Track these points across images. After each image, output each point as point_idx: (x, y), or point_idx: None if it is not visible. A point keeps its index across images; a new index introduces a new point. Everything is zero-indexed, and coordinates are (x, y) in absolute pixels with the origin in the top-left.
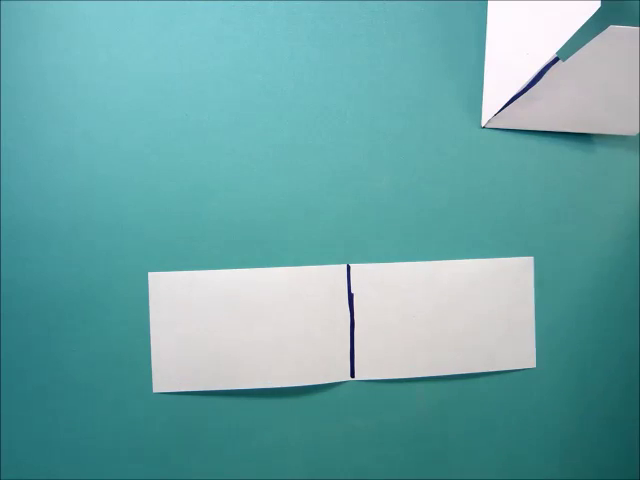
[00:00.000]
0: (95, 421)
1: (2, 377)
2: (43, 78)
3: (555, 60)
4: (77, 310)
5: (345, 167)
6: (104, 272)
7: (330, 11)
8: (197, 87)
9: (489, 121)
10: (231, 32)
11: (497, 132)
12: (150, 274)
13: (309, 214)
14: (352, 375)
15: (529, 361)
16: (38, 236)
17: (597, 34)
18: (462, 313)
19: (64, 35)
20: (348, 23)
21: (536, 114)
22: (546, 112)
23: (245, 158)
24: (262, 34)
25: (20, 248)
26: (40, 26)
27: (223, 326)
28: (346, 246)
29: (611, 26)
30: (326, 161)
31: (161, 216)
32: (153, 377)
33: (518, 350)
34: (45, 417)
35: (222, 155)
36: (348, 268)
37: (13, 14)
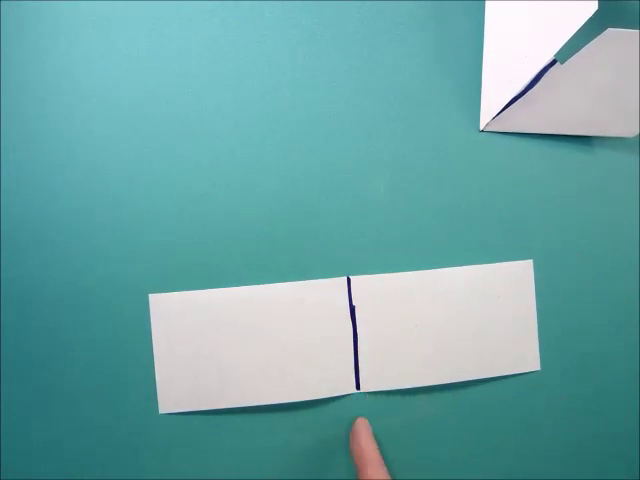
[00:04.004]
0: (101, 446)
1: (3, 386)
2: (44, 80)
3: (553, 62)
4: (79, 324)
5: (343, 172)
6: (104, 292)
7: (327, 13)
8: (196, 91)
9: (487, 124)
10: (230, 35)
11: (496, 135)
12: (151, 296)
13: (307, 224)
14: (357, 387)
15: (533, 364)
16: (34, 247)
17: (596, 36)
18: (464, 320)
19: (65, 38)
20: (345, 26)
21: (535, 117)
22: (545, 115)
23: (243, 164)
24: (260, 37)
25: (18, 256)
26: (41, 29)
27: (226, 344)
28: (345, 257)
29: (609, 28)
30: (323, 167)
31: (158, 235)
32: (159, 399)
33: (522, 354)
34: (46, 435)
35: (219, 161)
36: (348, 280)
37: (14, 17)
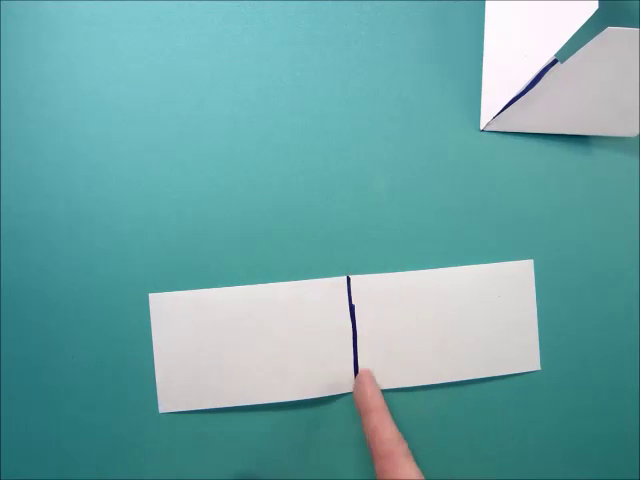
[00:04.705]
0: (98, 448)
1: (3, 385)
2: (44, 80)
3: (553, 62)
4: (79, 324)
5: (343, 172)
6: (104, 292)
7: (327, 14)
8: (196, 91)
9: (488, 124)
10: (230, 36)
11: (496, 135)
12: (151, 295)
13: (307, 224)
14: None
15: (534, 364)
16: (34, 247)
17: (596, 35)
18: (464, 320)
19: (65, 38)
20: (345, 26)
21: (535, 116)
22: (545, 114)
23: (243, 164)
24: (260, 37)
25: (18, 256)
26: (41, 28)
27: (226, 344)
28: (345, 257)
29: (609, 27)
30: (324, 166)
31: (158, 234)
32: (159, 398)
33: (522, 354)
34: (45, 436)
35: (219, 162)
36: (348, 280)
37: (14, 16)
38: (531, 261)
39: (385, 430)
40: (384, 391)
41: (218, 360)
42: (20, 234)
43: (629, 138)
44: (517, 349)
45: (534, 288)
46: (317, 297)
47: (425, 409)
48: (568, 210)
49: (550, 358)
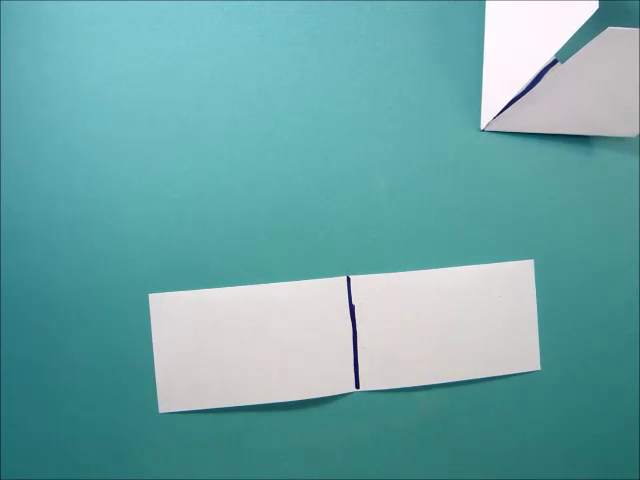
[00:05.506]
0: (99, 448)
1: (3, 385)
2: (44, 81)
3: (554, 62)
4: (79, 324)
5: (343, 172)
6: (104, 292)
7: (327, 14)
8: (196, 92)
9: (488, 124)
10: (231, 36)
11: (496, 135)
12: (151, 295)
13: (307, 224)
14: (357, 386)
15: (534, 364)
16: (34, 248)
17: (596, 35)
18: (464, 320)
19: (65, 38)
20: (345, 26)
21: (535, 116)
22: (545, 114)
23: (243, 164)
24: (260, 37)
25: (18, 256)
26: (40, 28)
27: (226, 344)
28: (345, 257)
29: (609, 27)
30: (324, 167)
31: (158, 234)
32: (159, 398)
33: (522, 354)
34: (45, 437)
35: (219, 162)
36: (348, 280)
37: (13, 17)
38: (531, 261)
39: None
40: (384, 391)
41: (218, 360)
42: (20, 234)
43: (629, 138)
44: (517, 349)
45: (534, 288)
46: (317, 297)
47: (425, 409)
48: (568, 210)
49: (550, 358)
